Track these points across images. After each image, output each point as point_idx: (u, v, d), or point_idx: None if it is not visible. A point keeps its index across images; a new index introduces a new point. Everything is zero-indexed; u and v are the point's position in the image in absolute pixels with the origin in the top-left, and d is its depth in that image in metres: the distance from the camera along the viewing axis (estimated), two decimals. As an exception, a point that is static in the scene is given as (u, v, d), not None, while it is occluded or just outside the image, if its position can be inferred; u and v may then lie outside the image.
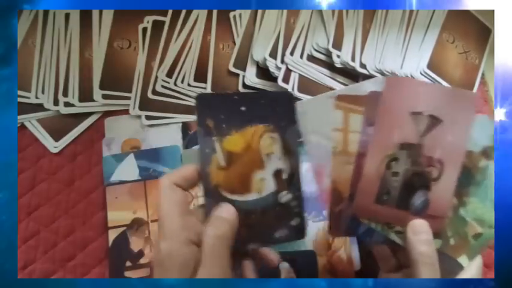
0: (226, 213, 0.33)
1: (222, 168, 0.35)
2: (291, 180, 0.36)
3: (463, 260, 0.36)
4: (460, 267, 0.36)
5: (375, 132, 0.36)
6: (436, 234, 0.35)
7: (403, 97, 0.36)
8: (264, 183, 0.35)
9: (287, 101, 0.37)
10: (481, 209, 0.37)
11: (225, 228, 0.32)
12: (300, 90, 0.57)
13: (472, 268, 0.36)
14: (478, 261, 0.36)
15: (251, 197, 0.35)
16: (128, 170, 0.55)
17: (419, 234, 0.34)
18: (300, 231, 0.36)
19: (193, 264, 0.32)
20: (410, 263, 0.34)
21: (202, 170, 0.35)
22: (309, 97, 0.57)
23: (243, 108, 0.36)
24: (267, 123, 0.36)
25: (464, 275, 0.36)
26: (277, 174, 0.36)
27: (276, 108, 0.37)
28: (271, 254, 0.38)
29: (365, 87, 0.38)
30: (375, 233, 0.36)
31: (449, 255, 0.36)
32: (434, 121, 0.35)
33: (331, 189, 0.37)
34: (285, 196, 0.36)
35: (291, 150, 0.36)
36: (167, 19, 0.61)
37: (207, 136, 0.35)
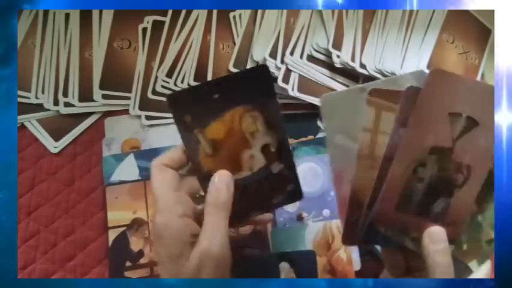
0: (219, 178, 0.35)
1: (210, 156, 0.36)
2: (280, 152, 0.37)
3: (473, 264, 0.35)
4: (470, 272, 0.35)
5: (406, 134, 0.32)
6: (452, 241, 0.33)
7: (444, 95, 0.32)
8: (253, 160, 0.36)
9: (261, 75, 0.36)
10: None
11: (222, 195, 0.34)
12: (299, 90, 0.57)
13: (482, 272, 0.36)
14: (487, 265, 0.36)
15: (244, 174, 0.36)
16: (128, 170, 0.55)
17: (437, 243, 0.33)
18: (296, 194, 0.38)
19: (189, 236, 0.33)
20: (426, 269, 0.33)
21: (192, 161, 0.36)
22: (309, 97, 0.57)
23: (216, 96, 0.35)
24: (244, 104, 0.35)
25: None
26: (264, 149, 0.36)
27: (250, 86, 0.36)
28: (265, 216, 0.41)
29: (403, 81, 0.33)
30: (391, 242, 0.35)
31: (460, 260, 0.35)
32: (471, 124, 0.32)
33: (350, 196, 0.35)
34: (277, 167, 0.37)
35: (275, 123, 0.36)
36: (167, 19, 0.61)
37: (188, 132, 0.35)
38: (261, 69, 0.36)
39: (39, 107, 0.59)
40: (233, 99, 0.35)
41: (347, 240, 0.36)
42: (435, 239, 0.33)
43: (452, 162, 0.32)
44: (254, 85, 0.36)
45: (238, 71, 0.37)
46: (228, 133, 0.35)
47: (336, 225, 0.52)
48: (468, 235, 0.35)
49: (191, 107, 0.35)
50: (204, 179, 0.35)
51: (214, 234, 0.33)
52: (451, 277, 0.32)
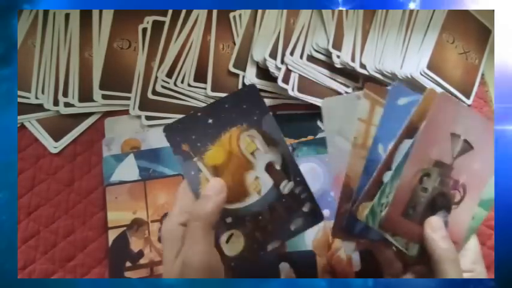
0: (209, 187, 0.34)
1: None
2: (286, 168, 0.35)
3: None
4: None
5: (415, 145, 0.35)
6: None
7: (448, 116, 0.36)
8: (259, 182, 0.35)
9: (250, 94, 0.36)
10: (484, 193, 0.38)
11: (208, 205, 0.33)
12: (299, 90, 0.57)
13: (471, 247, 0.37)
14: (475, 240, 0.37)
15: (252, 199, 0.35)
16: (128, 170, 0.55)
17: (438, 230, 0.34)
18: (315, 215, 0.36)
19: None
20: (433, 262, 0.34)
21: (195, 193, 0.35)
22: (309, 97, 0.57)
23: (210, 121, 0.35)
24: (239, 124, 0.35)
25: (466, 254, 0.36)
26: (269, 167, 0.35)
27: (242, 106, 0.36)
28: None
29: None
30: (371, 232, 0.36)
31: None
32: (467, 147, 0.36)
33: (342, 187, 0.36)
34: (287, 186, 0.35)
35: (274, 139, 0.35)
36: (167, 19, 0.61)
37: (187, 160, 0.35)
38: (250, 89, 0.36)
39: (39, 107, 0.59)
40: (227, 120, 0.35)
41: (335, 232, 0.37)
42: (436, 227, 0.34)
43: (451, 178, 0.36)
44: (245, 104, 0.36)
45: (227, 94, 0.36)
46: (227, 157, 0.35)
47: (336, 225, 0.51)
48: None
49: (188, 135, 0.35)
50: None
51: (195, 245, 0.32)
52: (458, 264, 0.33)
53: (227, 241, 0.35)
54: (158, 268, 0.52)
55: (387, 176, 0.35)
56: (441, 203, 0.35)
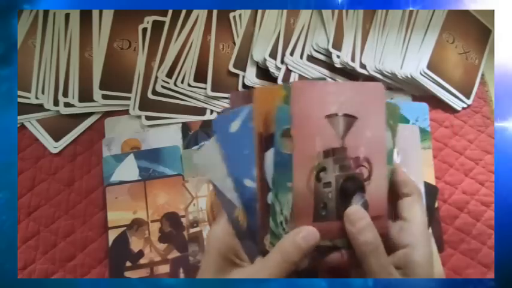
0: (304, 236, 0.32)
1: None
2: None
3: None
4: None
5: (294, 145, 0.32)
6: (383, 235, 0.32)
7: (313, 101, 0.33)
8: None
9: None
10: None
11: (295, 255, 0.32)
12: (300, 90, 0.57)
13: (410, 217, 0.33)
14: (417, 209, 0.34)
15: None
16: (128, 170, 0.55)
17: (357, 221, 0.32)
18: None
19: (232, 253, 0.33)
20: (358, 257, 0.31)
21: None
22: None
23: None
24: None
25: (403, 226, 0.33)
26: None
27: None
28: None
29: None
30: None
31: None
32: (350, 120, 0.33)
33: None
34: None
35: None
36: (167, 19, 0.61)
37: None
38: None
39: (39, 107, 0.59)
40: None
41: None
42: (353, 219, 0.32)
43: (350, 158, 0.33)
44: None
45: None
46: None
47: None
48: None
49: None
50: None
51: (265, 277, 0.31)
52: (381, 250, 0.31)
53: None
54: (158, 268, 0.52)
55: (270, 196, 0.33)
56: (352, 187, 0.33)
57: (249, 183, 0.33)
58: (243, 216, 0.34)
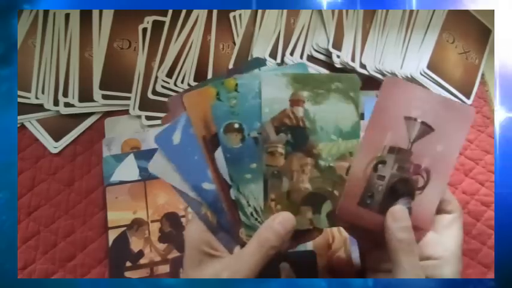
0: (280, 221, 0.33)
1: None
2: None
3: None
4: None
5: (366, 133, 0.34)
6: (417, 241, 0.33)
7: (399, 100, 0.35)
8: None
9: None
10: None
11: (273, 240, 0.33)
12: (300, 90, 0.57)
13: (449, 233, 0.35)
14: (456, 228, 0.35)
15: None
16: (128, 170, 0.55)
17: (399, 221, 0.33)
18: None
19: (207, 246, 0.34)
20: (389, 251, 0.33)
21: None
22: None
23: None
24: None
25: (439, 241, 0.35)
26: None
27: None
28: None
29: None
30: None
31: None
32: (426, 129, 0.34)
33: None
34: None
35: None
36: (167, 19, 0.61)
37: None
38: None
39: (39, 107, 0.59)
40: None
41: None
42: (397, 217, 0.33)
43: (411, 163, 0.34)
44: None
45: None
46: None
47: (336, 225, 0.51)
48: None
49: None
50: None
51: (245, 264, 0.32)
52: (415, 255, 0.32)
53: None
54: (158, 268, 0.52)
55: (233, 192, 0.34)
56: (402, 190, 0.34)
57: (208, 186, 0.34)
58: (211, 214, 0.35)
